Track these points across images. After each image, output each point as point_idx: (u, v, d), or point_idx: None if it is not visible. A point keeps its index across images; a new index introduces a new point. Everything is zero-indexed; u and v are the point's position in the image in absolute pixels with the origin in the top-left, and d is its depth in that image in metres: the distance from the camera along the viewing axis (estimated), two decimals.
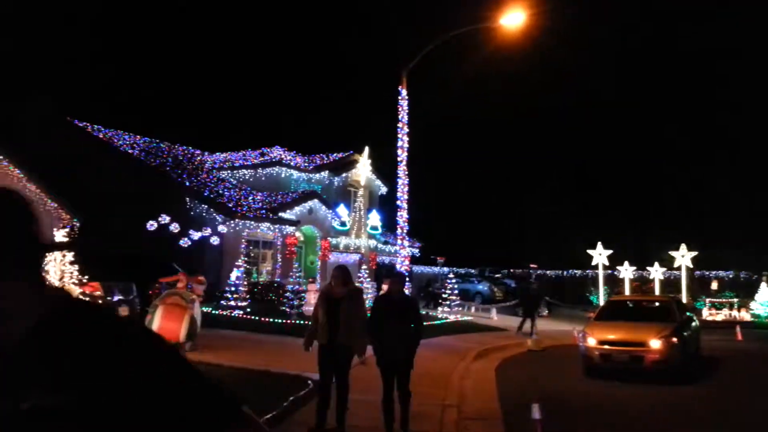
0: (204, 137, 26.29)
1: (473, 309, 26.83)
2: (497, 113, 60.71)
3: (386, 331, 6.52)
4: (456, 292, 23.77)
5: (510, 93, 58.88)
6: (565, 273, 38.24)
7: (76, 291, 10.14)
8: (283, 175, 28.43)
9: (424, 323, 7.94)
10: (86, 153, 23.96)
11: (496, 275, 36.10)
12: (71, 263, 10.30)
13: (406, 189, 19.70)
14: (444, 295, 22.79)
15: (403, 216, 19.49)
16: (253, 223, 23.66)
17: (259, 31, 53.05)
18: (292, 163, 28.90)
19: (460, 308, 25.90)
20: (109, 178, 22.32)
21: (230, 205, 23.37)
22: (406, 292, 17.22)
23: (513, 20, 17.80)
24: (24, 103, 19.51)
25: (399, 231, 19.47)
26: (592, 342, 11.65)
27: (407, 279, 17.05)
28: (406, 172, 19.79)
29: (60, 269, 10.17)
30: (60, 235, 10.35)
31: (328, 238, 27.84)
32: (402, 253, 19.13)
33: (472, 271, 37.90)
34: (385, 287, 8.14)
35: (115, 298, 12.69)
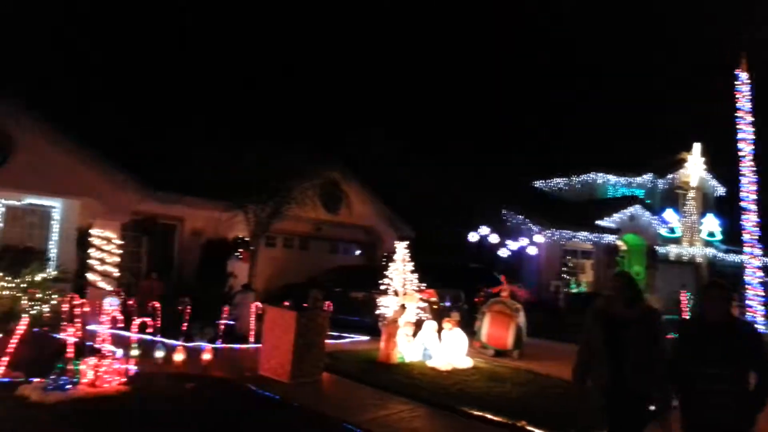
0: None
1: None
2: None
3: (699, 379, 4.05)
4: None
5: None
6: None
7: (416, 296, 11.37)
8: (599, 181, 27.17)
9: None
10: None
11: None
12: (411, 272, 11.56)
13: (753, 188, 16.80)
14: None
15: (751, 219, 16.65)
16: (569, 232, 23.12)
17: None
18: (608, 167, 27.41)
19: None
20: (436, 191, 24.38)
21: (545, 215, 23.27)
22: (755, 316, 14.63)
23: None
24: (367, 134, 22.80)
25: (747, 237, 16.67)
26: None
27: (763, 296, 14.44)
28: (753, 168, 16.87)
29: (403, 278, 11.50)
30: (402, 247, 11.71)
31: (655, 247, 25.46)
32: (752, 264, 16.31)
33: None
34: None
35: (447, 304, 13.80)
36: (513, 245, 21.21)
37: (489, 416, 6.92)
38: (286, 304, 9.18)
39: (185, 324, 11.20)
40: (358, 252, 21.34)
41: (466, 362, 10.02)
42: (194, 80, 30.39)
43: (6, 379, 6.89)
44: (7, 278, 9.18)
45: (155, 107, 21.57)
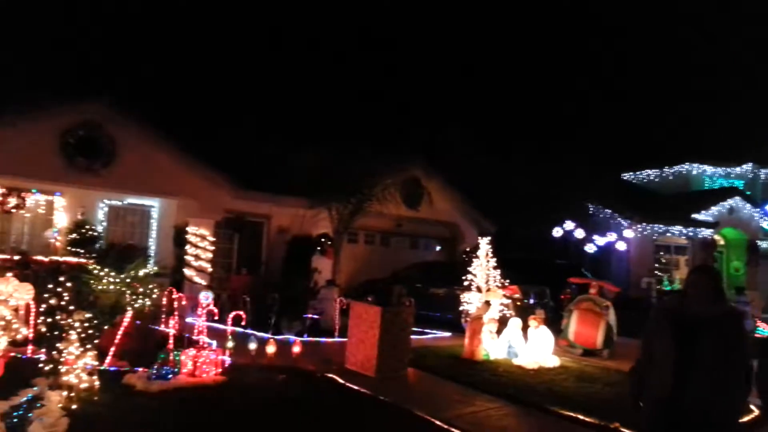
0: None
1: None
2: None
3: None
4: None
5: None
6: None
7: (500, 293, 11.19)
8: (694, 172, 25.67)
9: None
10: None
11: None
12: (494, 268, 11.40)
13: None
14: None
15: None
16: (662, 226, 21.98)
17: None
18: (704, 157, 25.83)
19: None
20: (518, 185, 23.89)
21: (635, 209, 22.23)
22: None
23: None
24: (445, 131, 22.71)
25: None
26: None
27: None
28: None
29: (486, 273, 11.36)
30: (485, 243, 11.56)
31: (757, 241, 23.73)
32: None
33: None
34: None
35: (531, 301, 13.49)
36: (600, 240, 20.44)
37: (580, 417, 6.71)
38: (370, 299, 9.29)
39: (274, 317, 11.62)
40: (438, 248, 21.29)
41: (553, 361, 9.76)
42: (277, 81, 31.38)
43: (113, 368, 7.39)
44: (112, 274, 9.82)
45: (241, 108, 22.47)
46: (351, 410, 6.74)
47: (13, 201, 12.72)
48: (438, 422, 6.22)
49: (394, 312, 8.65)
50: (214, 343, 9.33)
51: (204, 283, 13.51)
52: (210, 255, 13.87)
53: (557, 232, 20.13)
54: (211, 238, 13.94)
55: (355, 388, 7.50)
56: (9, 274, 6.18)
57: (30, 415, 5.32)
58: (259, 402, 6.72)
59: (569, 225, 20.08)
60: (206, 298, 12.26)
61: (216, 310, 12.45)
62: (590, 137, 33.81)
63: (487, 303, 10.63)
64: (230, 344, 8.74)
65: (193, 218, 13.77)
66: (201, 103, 22.61)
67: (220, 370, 7.58)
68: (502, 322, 10.67)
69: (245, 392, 7.05)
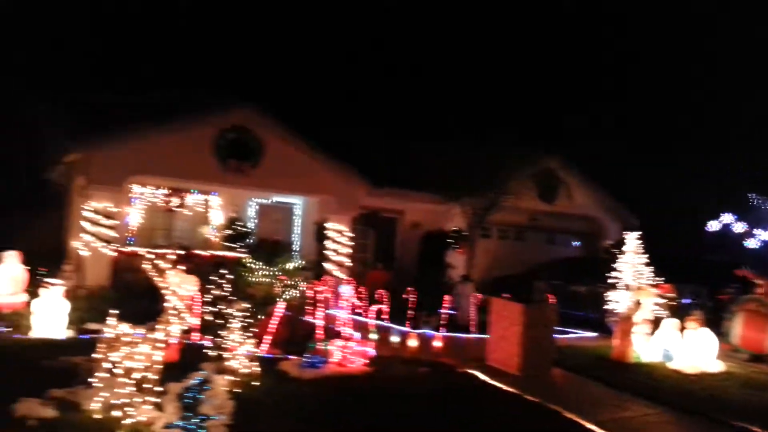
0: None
1: None
2: None
3: None
4: None
5: None
6: None
7: (652, 291, 10.43)
8: None
9: None
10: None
11: None
12: (646, 265, 10.67)
13: None
14: None
15: None
16: None
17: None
18: None
19: None
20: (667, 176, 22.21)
21: None
22: None
23: None
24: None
25: None
26: None
27: None
28: None
29: (634, 270, 10.66)
30: (633, 238, 10.85)
31: None
32: None
33: None
34: None
35: (686, 301, 12.44)
36: (765, 235, 18.35)
37: (754, 428, 6.06)
38: (506, 296, 9.08)
39: (411, 312, 11.74)
40: (577, 243, 20.34)
41: (716, 366, 8.93)
42: (410, 77, 31.75)
43: (269, 356, 7.87)
44: (263, 267, 10.50)
45: (374, 105, 23.03)
46: (496, 407, 6.62)
47: (175, 200, 14.07)
48: (590, 425, 5.94)
49: (537, 309, 8.39)
50: (358, 334, 9.66)
51: (344, 276, 14.00)
52: (349, 250, 14.34)
53: (713, 225, 18.39)
54: (349, 234, 14.42)
55: (499, 385, 7.37)
56: (181, 267, 6.83)
57: (201, 396, 5.83)
58: (404, 393, 6.83)
59: (727, 218, 18.26)
60: (348, 290, 12.76)
61: (358, 303, 12.92)
62: (752, 118, 30.49)
63: (638, 302, 9.96)
64: (373, 336, 8.98)
65: (332, 215, 14.32)
66: (336, 102, 23.49)
67: (366, 360, 7.80)
68: (654, 322, 9.95)
69: (390, 383, 7.20)
